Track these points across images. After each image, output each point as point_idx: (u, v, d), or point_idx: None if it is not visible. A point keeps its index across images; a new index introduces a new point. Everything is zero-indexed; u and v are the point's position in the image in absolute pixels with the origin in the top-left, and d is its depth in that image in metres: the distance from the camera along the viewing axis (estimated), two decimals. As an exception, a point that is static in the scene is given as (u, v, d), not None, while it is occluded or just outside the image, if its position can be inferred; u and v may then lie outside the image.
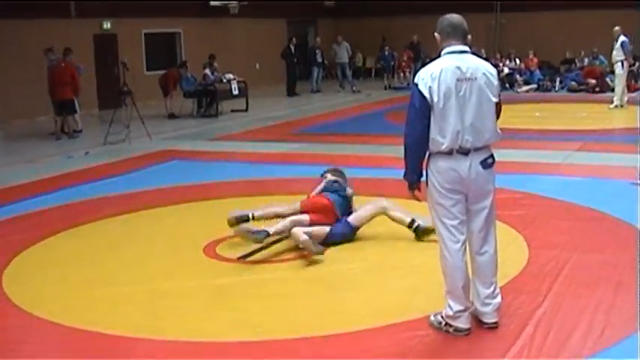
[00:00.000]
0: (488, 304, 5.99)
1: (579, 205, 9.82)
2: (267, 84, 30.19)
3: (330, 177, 9.16)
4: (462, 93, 5.69)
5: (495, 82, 5.89)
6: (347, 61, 30.24)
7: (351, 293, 7.07)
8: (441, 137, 5.70)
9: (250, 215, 8.80)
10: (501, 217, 8.15)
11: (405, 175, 5.95)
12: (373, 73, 35.55)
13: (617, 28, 21.60)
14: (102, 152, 15.78)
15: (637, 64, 28.01)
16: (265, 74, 30.79)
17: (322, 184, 9.07)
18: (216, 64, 23.70)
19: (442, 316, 5.98)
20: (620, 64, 21.50)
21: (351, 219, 8.62)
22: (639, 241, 7.88)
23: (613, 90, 22.85)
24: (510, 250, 7.90)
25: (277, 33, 31.89)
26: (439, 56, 5.90)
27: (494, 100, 5.85)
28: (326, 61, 30.41)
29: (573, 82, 27.58)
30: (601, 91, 25.73)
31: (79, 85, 18.49)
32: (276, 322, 6.39)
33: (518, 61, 30.07)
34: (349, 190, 9.00)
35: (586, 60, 28.76)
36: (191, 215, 10.18)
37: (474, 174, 5.77)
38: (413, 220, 8.45)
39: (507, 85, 26.88)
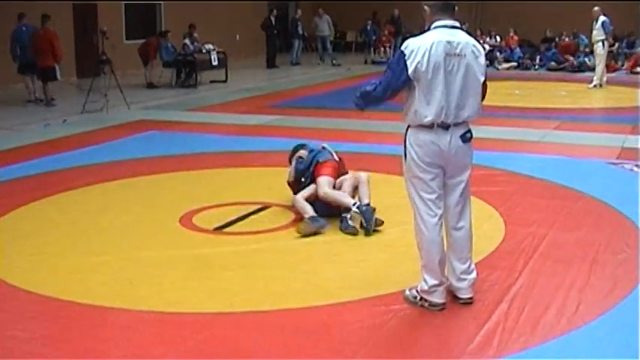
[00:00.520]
0: (463, 280, 6.02)
1: (556, 184, 9.88)
2: (247, 55, 30.10)
3: (294, 160, 9.04)
4: (450, 68, 5.68)
5: (483, 60, 5.89)
6: (328, 34, 30.20)
7: (327, 266, 7.08)
8: (425, 110, 5.69)
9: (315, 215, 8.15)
10: (478, 193, 8.21)
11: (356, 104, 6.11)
12: (354, 47, 35.48)
13: (596, 8, 21.68)
14: (80, 120, 15.66)
15: (617, 44, 28.18)
16: (245, 45, 30.68)
17: (292, 169, 8.97)
18: (196, 34, 23.57)
19: (417, 291, 6.00)
20: (600, 43, 21.59)
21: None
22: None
23: (593, 69, 22.94)
24: (487, 226, 7.94)
25: (258, 5, 31.72)
26: (426, 30, 5.88)
27: (481, 78, 5.85)
28: (306, 34, 30.33)
29: (553, 63, 27.69)
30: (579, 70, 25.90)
31: (59, 52, 18.35)
32: (253, 294, 6.39)
33: (498, 38, 30.13)
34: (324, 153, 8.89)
35: (566, 40, 28.85)
36: (168, 186, 10.14)
37: (454, 148, 5.78)
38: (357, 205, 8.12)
39: (488, 62, 26.88)
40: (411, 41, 5.79)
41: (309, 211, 8.05)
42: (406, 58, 5.69)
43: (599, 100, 20.18)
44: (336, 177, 8.48)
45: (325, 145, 9.10)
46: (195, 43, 23.24)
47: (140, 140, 13.56)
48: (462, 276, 6.02)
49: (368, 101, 6.01)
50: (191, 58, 22.62)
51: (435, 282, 5.89)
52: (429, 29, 5.85)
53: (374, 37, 31.34)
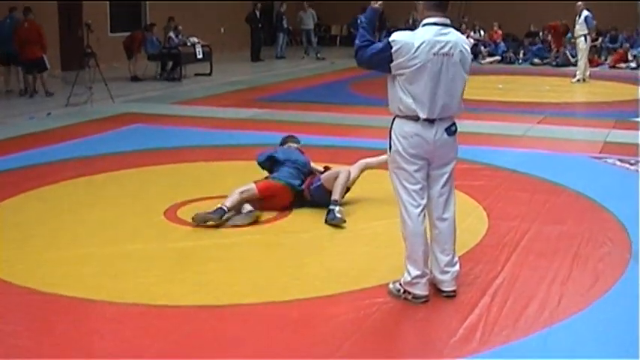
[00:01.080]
0: (446, 272, 6.06)
1: (539, 178, 9.93)
2: (232, 49, 30.05)
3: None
4: (437, 67, 5.71)
5: (470, 59, 5.95)
6: (312, 27, 30.23)
7: (311, 259, 7.12)
8: (410, 103, 5.73)
9: (225, 208, 8.20)
10: (461, 187, 8.26)
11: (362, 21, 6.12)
12: (338, 41, 35.50)
13: (579, 2, 21.83)
14: (64, 114, 15.61)
15: (600, 39, 28.30)
16: (230, 39, 30.63)
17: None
18: (180, 27, 23.54)
19: (400, 284, 6.04)
20: (582, 38, 21.70)
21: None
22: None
23: (575, 64, 23.04)
24: (470, 220, 7.99)
25: (243, -2, 31.70)
26: (415, 26, 5.90)
27: (466, 77, 5.90)
28: (291, 27, 30.34)
29: (536, 59, 27.79)
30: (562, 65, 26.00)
31: (46, 42, 18.40)
32: (238, 287, 6.41)
33: (482, 32, 30.21)
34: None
35: (549, 36, 28.92)
36: (152, 179, 10.14)
37: (439, 141, 5.83)
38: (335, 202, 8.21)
39: (472, 57, 26.93)
40: (400, 36, 5.79)
41: (228, 202, 8.09)
42: (392, 50, 5.72)
43: (582, 95, 20.27)
44: (265, 195, 8.41)
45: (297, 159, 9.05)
46: (180, 36, 23.22)
47: (125, 133, 13.53)
48: (446, 268, 6.06)
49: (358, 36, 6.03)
50: (176, 51, 22.59)
51: (418, 272, 5.93)
52: (415, 25, 5.87)
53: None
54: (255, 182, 8.50)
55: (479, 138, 12.16)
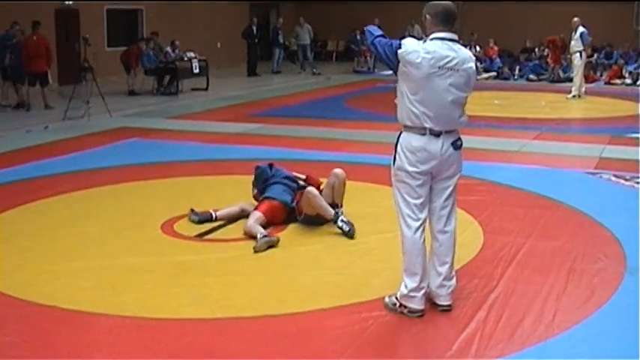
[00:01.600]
0: (443, 286, 6.09)
1: (535, 193, 9.97)
2: (229, 63, 30.13)
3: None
4: (443, 80, 5.75)
5: (474, 75, 5.99)
6: (308, 42, 30.32)
7: (308, 272, 7.14)
8: (417, 113, 5.78)
9: (213, 216, 8.64)
10: (457, 202, 8.21)
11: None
12: (334, 57, 35.61)
13: (575, 19, 21.89)
14: (61, 127, 15.66)
15: (595, 55, 28.40)
16: (227, 54, 30.73)
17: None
18: (177, 42, 23.62)
19: (396, 297, 6.07)
20: (578, 54, 21.80)
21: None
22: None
23: (571, 80, 23.12)
24: (466, 234, 8.01)
25: (240, 13, 31.77)
26: (421, 39, 5.95)
27: (469, 91, 5.95)
28: (287, 42, 30.43)
29: (532, 76, 27.86)
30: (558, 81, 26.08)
31: (51, 56, 18.60)
32: (234, 300, 6.43)
33: (478, 48, 30.30)
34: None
35: (546, 51, 29.02)
36: (149, 193, 10.16)
37: (446, 155, 5.87)
38: (336, 213, 8.36)
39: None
40: (410, 41, 5.86)
41: (260, 230, 8.05)
42: (401, 50, 5.77)
43: (578, 111, 20.32)
44: (269, 217, 8.45)
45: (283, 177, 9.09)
46: (177, 51, 23.29)
47: (121, 148, 13.56)
48: (443, 282, 6.08)
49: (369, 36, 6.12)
50: (172, 65, 22.66)
51: (414, 285, 5.96)
52: (426, 38, 5.90)
53: (363, 48, 31.53)
54: (255, 208, 8.55)
55: (475, 153, 12.16)
